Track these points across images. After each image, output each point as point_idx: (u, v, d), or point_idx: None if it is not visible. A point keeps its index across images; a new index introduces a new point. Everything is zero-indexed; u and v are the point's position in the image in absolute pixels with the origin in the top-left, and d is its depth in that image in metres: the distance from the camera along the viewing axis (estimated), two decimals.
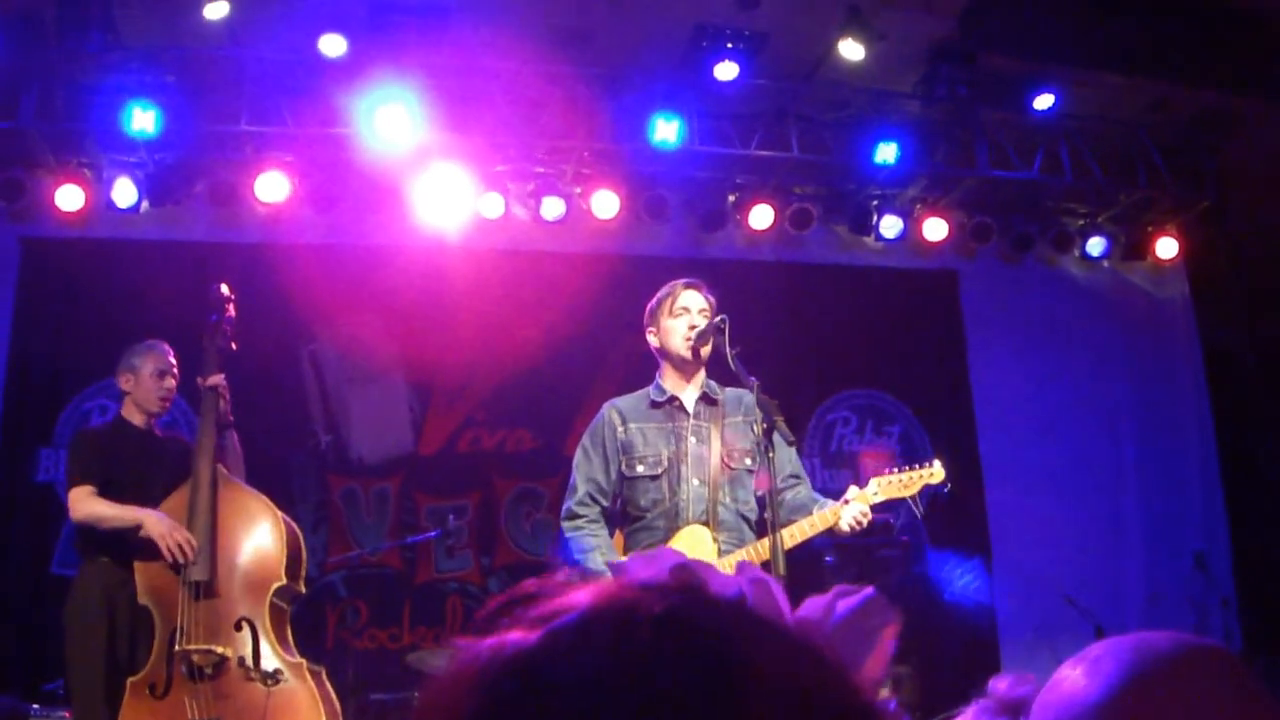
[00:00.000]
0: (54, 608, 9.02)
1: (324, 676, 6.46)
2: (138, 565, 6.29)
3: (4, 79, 9.24)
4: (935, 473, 5.84)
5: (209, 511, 6.32)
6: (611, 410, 5.99)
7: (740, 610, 1.03)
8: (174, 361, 6.91)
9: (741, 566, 1.38)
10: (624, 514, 5.90)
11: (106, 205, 9.87)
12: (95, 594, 6.47)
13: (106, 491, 6.49)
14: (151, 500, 6.45)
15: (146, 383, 6.81)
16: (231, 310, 6.88)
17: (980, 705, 1.86)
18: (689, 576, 1.13)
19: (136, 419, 6.85)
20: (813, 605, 1.36)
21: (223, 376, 6.71)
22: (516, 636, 0.96)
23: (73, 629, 6.50)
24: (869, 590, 1.37)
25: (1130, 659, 1.52)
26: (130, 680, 6.10)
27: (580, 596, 0.99)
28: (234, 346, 6.89)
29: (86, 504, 6.46)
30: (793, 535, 5.52)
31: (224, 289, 6.91)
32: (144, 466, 6.65)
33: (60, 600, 7.37)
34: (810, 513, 5.68)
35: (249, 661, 6.13)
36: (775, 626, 1.03)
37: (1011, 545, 11.14)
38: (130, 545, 6.33)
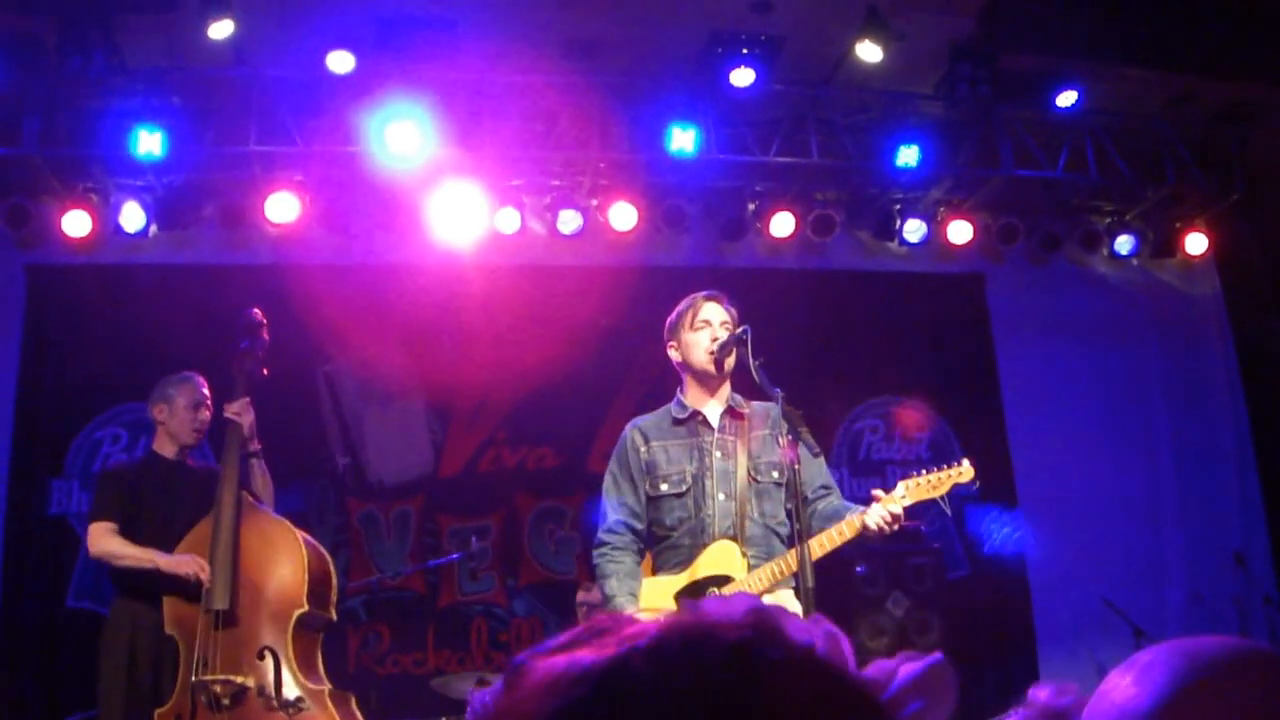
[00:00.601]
0: (70, 642, 9.00)
1: (353, 703, 6.40)
2: (165, 597, 6.28)
3: (6, 105, 9.18)
4: (964, 471, 5.69)
5: (231, 540, 6.29)
6: (634, 431, 5.95)
7: (809, 657, 1.06)
8: (208, 394, 6.94)
9: (817, 619, 1.28)
10: (651, 534, 5.85)
11: (114, 230, 9.81)
12: (123, 629, 6.50)
13: (130, 528, 6.52)
14: (175, 535, 6.44)
15: (181, 414, 6.84)
16: (265, 335, 6.89)
17: (1020, 715, 1.83)
18: (765, 617, 1.11)
19: (168, 450, 6.89)
20: (879, 667, 1.37)
21: (247, 401, 6.71)
22: (589, 653, 1.01)
23: (101, 664, 6.52)
24: (936, 656, 1.37)
25: (1180, 665, 1.47)
26: (157, 712, 6.07)
27: (655, 625, 1.04)
28: (265, 372, 6.90)
29: (103, 541, 6.50)
30: (820, 544, 5.44)
31: (257, 314, 6.92)
32: (170, 503, 6.66)
33: (77, 633, 7.26)
34: (841, 520, 5.55)
35: (270, 690, 6.07)
36: (841, 677, 1.07)
37: (1047, 550, 10.95)
38: (160, 579, 6.31)
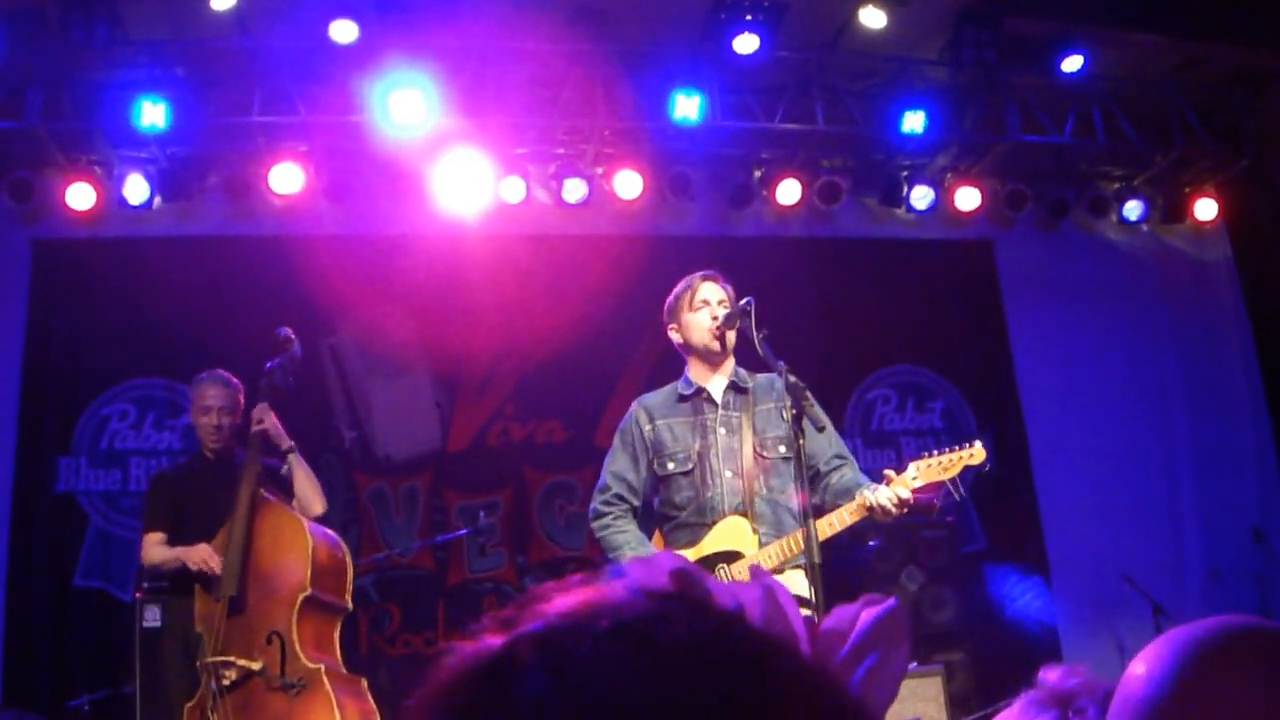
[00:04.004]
0: (78, 621, 9.01)
1: (363, 685, 6.53)
2: (196, 595, 6.47)
3: (9, 78, 9.14)
4: (976, 453, 5.66)
5: (244, 535, 6.41)
6: (639, 409, 5.99)
7: (726, 628, 0.96)
8: (221, 393, 7.05)
9: (754, 571, 1.22)
10: (661, 514, 5.87)
11: (118, 202, 9.78)
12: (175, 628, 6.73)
13: (178, 529, 6.73)
14: (215, 531, 6.57)
15: (196, 419, 7.08)
16: (296, 350, 7.02)
17: (1029, 697, 1.86)
18: (683, 582, 1.06)
19: (207, 451, 7.08)
20: (839, 615, 1.28)
21: (265, 406, 6.81)
22: (491, 643, 0.94)
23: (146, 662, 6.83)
24: (892, 601, 1.30)
25: (1181, 643, 1.49)
26: (187, 706, 6.22)
27: (557, 604, 0.96)
28: (293, 382, 7.04)
29: (151, 552, 6.76)
30: (829, 525, 5.44)
31: (288, 332, 7.01)
32: (208, 502, 6.78)
33: (85, 613, 7.29)
34: (854, 497, 5.54)
35: (274, 672, 6.17)
36: (767, 648, 0.96)
37: (1064, 523, 10.93)
38: (191, 576, 6.50)
